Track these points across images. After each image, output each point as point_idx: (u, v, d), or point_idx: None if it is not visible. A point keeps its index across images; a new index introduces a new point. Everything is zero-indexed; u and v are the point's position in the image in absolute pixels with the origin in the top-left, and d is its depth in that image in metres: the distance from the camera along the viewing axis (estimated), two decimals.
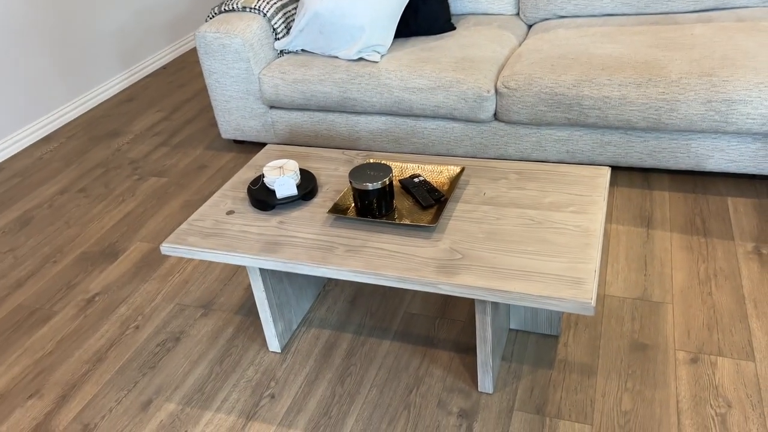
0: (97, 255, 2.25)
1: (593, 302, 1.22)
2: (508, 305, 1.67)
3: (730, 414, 1.44)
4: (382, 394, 1.59)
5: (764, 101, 1.96)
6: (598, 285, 1.85)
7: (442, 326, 1.77)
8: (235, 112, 2.69)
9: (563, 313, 1.74)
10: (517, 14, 2.75)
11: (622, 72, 2.10)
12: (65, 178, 2.81)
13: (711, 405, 1.47)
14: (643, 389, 1.52)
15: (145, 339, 1.85)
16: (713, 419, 1.43)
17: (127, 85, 3.74)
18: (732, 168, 2.16)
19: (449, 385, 1.59)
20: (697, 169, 2.20)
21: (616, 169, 2.39)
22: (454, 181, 1.62)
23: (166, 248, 1.56)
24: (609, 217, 2.12)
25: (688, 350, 1.61)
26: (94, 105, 3.52)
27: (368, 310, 1.86)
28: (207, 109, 3.32)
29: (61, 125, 3.32)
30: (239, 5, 2.59)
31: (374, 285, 1.94)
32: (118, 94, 3.65)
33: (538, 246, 1.38)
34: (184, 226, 1.61)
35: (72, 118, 3.38)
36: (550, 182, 1.60)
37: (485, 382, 1.54)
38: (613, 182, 2.30)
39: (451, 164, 1.70)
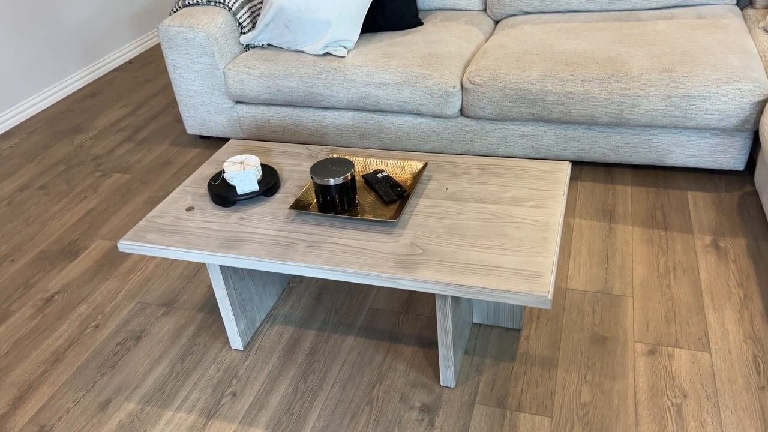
0: (57, 253, 2.20)
1: (550, 296, 1.23)
2: (471, 299, 1.67)
3: (686, 404, 1.47)
4: (345, 390, 1.59)
5: (722, 97, 1.99)
6: (560, 279, 1.86)
7: (406, 321, 1.77)
8: (201, 108, 2.65)
9: (525, 306, 1.76)
10: (484, 10, 2.76)
11: (585, 68, 2.12)
12: (25, 174, 2.74)
13: (667, 396, 1.49)
14: (602, 381, 1.54)
15: (104, 338, 1.82)
16: (669, 410, 1.46)
17: (91, 80, 3.66)
18: (692, 163, 2.20)
19: (412, 380, 1.59)
20: (658, 163, 2.23)
21: (580, 164, 2.41)
22: (417, 176, 1.61)
23: (123, 245, 1.53)
24: (572, 212, 2.14)
25: (647, 342, 1.63)
26: (57, 100, 3.44)
27: (333, 306, 1.85)
28: (173, 104, 3.27)
29: (21, 120, 3.24)
30: None
31: (339, 281, 1.93)
32: (81, 89, 3.58)
33: (497, 240, 1.39)
34: (142, 222, 1.58)
35: (33, 114, 3.30)
36: (511, 177, 1.61)
37: (447, 376, 1.55)
38: (577, 177, 2.33)
39: (414, 160, 1.70)
